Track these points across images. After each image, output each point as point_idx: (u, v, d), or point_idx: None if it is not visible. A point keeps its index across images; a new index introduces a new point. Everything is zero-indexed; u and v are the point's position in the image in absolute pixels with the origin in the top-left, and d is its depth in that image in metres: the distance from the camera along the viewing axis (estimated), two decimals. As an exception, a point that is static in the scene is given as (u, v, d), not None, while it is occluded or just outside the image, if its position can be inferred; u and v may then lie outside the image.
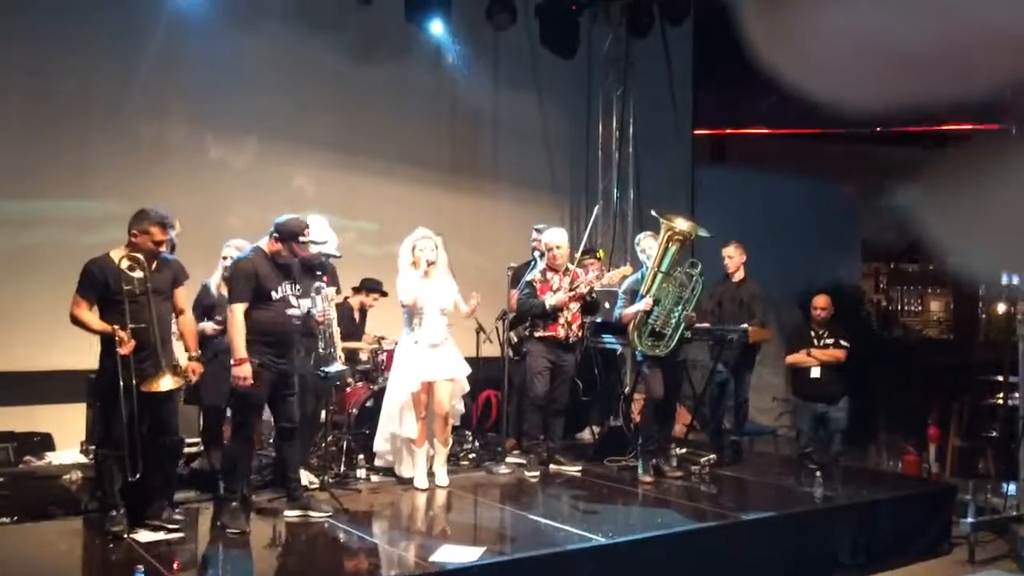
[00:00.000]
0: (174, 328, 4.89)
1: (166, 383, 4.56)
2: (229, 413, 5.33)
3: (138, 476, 4.55)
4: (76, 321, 4.57)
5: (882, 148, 15.66)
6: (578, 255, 6.93)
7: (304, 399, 5.42)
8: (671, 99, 9.74)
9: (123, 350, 4.45)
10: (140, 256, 4.56)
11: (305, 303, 5.05)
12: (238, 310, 4.83)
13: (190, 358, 4.81)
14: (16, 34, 6.84)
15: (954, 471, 8.12)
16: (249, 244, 5.47)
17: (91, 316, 4.54)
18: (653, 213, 6.34)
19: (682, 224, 6.14)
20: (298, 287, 5.02)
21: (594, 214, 7.18)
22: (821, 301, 7.29)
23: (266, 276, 4.89)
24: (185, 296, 4.90)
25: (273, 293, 4.91)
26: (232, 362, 4.80)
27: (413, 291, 5.76)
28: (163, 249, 4.67)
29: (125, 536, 4.53)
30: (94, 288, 4.53)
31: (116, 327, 4.46)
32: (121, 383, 4.45)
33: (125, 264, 4.53)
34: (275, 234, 4.93)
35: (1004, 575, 5.63)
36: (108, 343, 4.52)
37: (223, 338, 5.14)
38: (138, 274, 4.54)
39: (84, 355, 6.22)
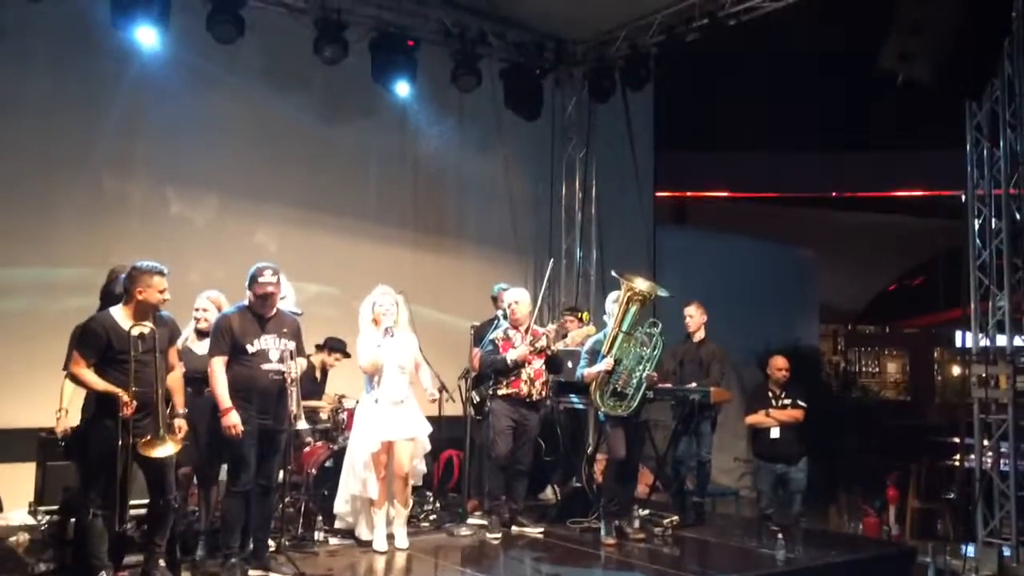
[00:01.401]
0: None
1: (165, 450, 4.54)
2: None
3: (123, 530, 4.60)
4: (76, 379, 4.59)
5: (839, 212, 16.06)
6: (533, 308, 6.91)
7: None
8: (632, 161, 9.88)
9: (124, 412, 4.43)
10: (148, 319, 4.58)
11: (286, 360, 5.03)
12: (217, 363, 4.93)
13: (176, 415, 4.78)
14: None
15: (914, 533, 8.16)
16: (221, 295, 5.47)
17: (93, 376, 4.51)
18: (613, 273, 6.39)
19: (642, 284, 6.20)
20: (281, 342, 5.03)
21: (548, 268, 7.16)
22: (779, 362, 7.37)
23: (243, 331, 4.96)
24: (175, 354, 4.89)
25: (248, 347, 4.95)
26: (219, 414, 4.85)
27: (372, 356, 5.71)
28: (167, 299, 4.68)
29: None
30: (95, 347, 4.52)
31: (120, 391, 4.43)
32: (119, 442, 4.41)
33: (136, 331, 4.52)
34: (247, 283, 5.01)
35: (965, 638, 5.62)
36: (106, 403, 4.48)
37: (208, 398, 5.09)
38: (146, 336, 4.54)
39: (33, 413, 6.13)
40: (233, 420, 4.84)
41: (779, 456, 7.16)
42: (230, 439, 4.89)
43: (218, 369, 4.93)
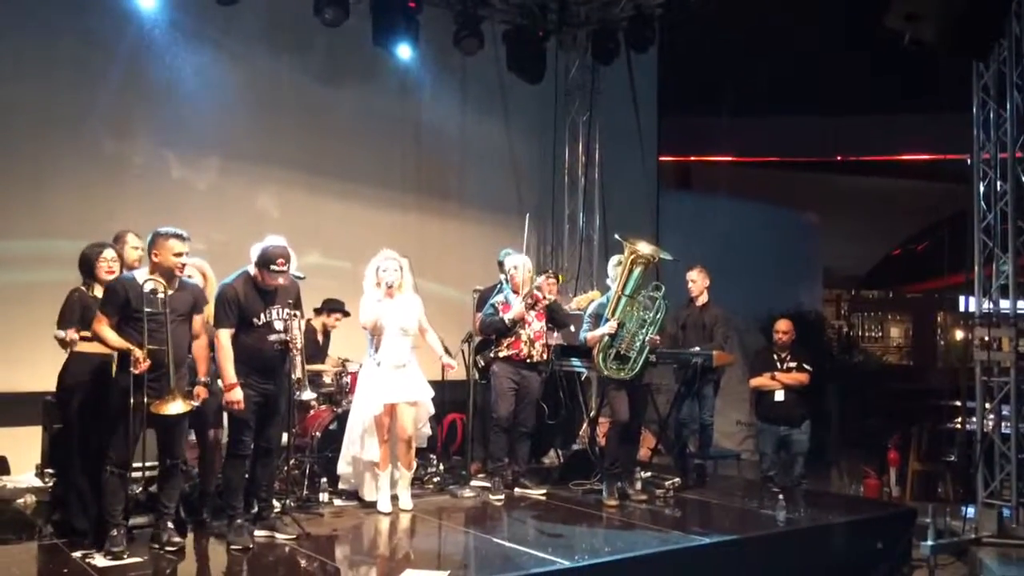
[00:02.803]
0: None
1: (176, 407, 4.58)
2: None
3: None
4: (96, 336, 4.64)
5: (844, 176, 15.99)
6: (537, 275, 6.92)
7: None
8: (636, 125, 9.81)
9: (137, 370, 4.47)
10: (161, 278, 4.62)
11: (291, 330, 5.05)
12: (224, 336, 4.88)
13: (198, 382, 4.83)
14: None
15: (914, 494, 8.22)
16: (204, 263, 5.45)
17: (111, 333, 4.58)
18: (617, 237, 6.38)
19: (645, 247, 6.19)
20: (285, 312, 5.04)
21: (526, 222, 7.05)
22: (783, 325, 7.40)
23: (249, 302, 4.94)
24: (202, 321, 4.91)
25: (255, 320, 4.95)
26: (223, 387, 4.85)
27: (373, 313, 5.72)
28: (185, 263, 4.73)
29: (125, 556, 4.49)
30: (116, 305, 4.60)
31: (133, 347, 4.49)
32: (131, 400, 4.47)
33: (148, 286, 4.60)
34: (256, 260, 4.97)
35: (963, 597, 5.68)
36: (123, 360, 4.54)
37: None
38: (160, 295, 4.60)
39: (39, 377, 6.15)
40: (237, 396, 4.82)
41: (782, 419, 7.21)
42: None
43: (226, 342, 4.87)
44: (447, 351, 6.55)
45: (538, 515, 5.90)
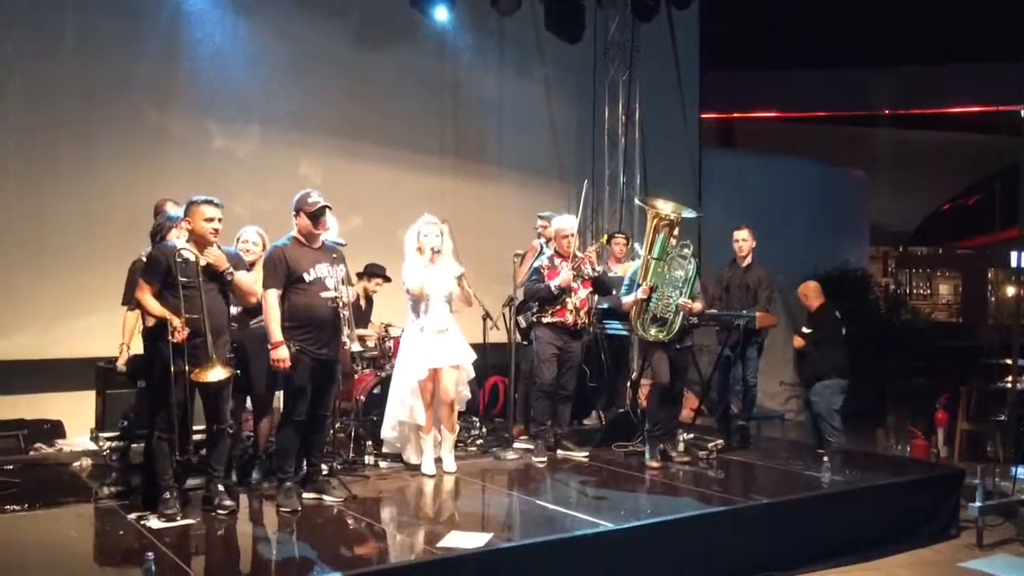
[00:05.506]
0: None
1: (216, 374, 4.65)
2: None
3: (186, 457, 4.75)
4: (140, 305, 4.76)
5: (892, 130, 15.63)
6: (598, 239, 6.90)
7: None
8: (677, 83, 9.67)
9: (175, 338, 4.55)
10: (192, 246, 4.69)
11: (339, 286, 5.10)
12: (271, 295, 4.92)
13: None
14: (17, 19, 6.83)
15: (962, 455, 8.11)
16: (257, 229, 5.52)
17: (152, 301, 4.67)
18: (637, 201, 6.32)
19: (664, 206, 6.14)
20: (334, 269, 5.09)
21: (583, 191, 7.00)
22: (799, 289, 7.59)
23: (297, 260, 4.98)
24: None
25: (306, 275, 4.98)
26: (268, 346, 4.90)
27: (419, 279, 5.75)
28: (218, 228, 4.74)
29: (178, 519, 4.61)
30: (156, 274, 4.68)
31: (170, 315, 4.57)
32: (172, 368, 4.56)
33: (183, 254, 4.65)
34: (294, 212, 5.04)
35: (1012, 558, 5.62)
36: (163, 328, 4.61)
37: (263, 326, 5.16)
38: (191, 263, 4.66)
39: (93, 343, 6.30)
40: (282, 355, 4.86)
41: (801, 380, 7.31)
42: (289, 371, 4.94)
43: (272, 301, 4.92)
44: (487, 316, 6.57)
45: (581, 477, 5.94)
